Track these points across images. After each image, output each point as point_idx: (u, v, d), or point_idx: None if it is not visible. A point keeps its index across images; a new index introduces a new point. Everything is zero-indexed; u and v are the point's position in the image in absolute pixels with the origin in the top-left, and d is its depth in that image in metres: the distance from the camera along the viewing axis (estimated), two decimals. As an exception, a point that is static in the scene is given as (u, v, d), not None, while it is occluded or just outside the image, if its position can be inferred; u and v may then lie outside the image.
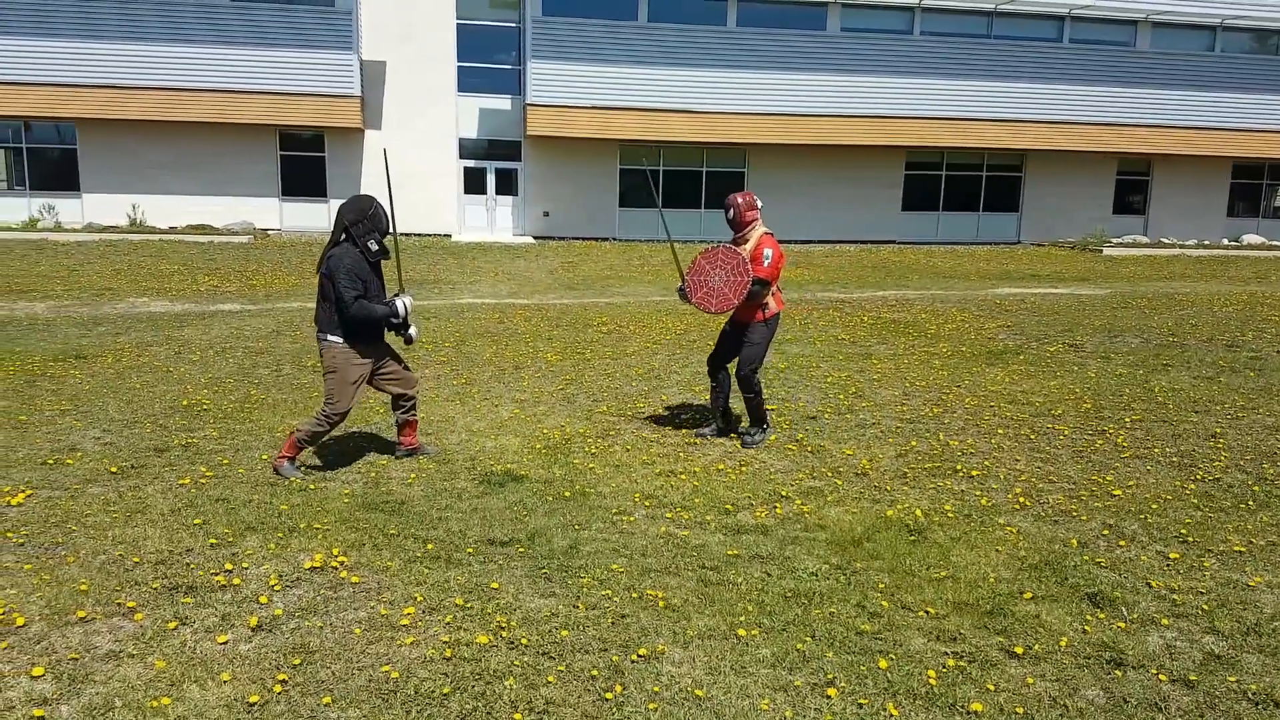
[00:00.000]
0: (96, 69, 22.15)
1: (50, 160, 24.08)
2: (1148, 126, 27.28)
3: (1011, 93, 26.37)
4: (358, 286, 5.20)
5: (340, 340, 5.29)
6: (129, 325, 10.80)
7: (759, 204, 6.24)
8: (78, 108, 22.46)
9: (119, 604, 3.68)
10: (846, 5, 25.70)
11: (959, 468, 5.89)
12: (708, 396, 6.74)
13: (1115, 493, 5.44)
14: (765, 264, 6.04)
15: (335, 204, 24.89)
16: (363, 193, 5.54)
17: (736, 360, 6.30)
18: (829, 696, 3.19)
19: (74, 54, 22.02)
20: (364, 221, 5.25)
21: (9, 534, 4.36)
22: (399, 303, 5.46)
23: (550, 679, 3.24)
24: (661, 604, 3.85)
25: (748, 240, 6.12)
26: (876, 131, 25.90)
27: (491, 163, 26.09)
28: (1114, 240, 27.14)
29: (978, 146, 27.08)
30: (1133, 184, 29.54)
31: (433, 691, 3.14)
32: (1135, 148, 27.66)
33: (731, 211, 6.14)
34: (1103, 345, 10.44)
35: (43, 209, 23.14)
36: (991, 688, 3.28)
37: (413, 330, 5.64)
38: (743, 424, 6.66)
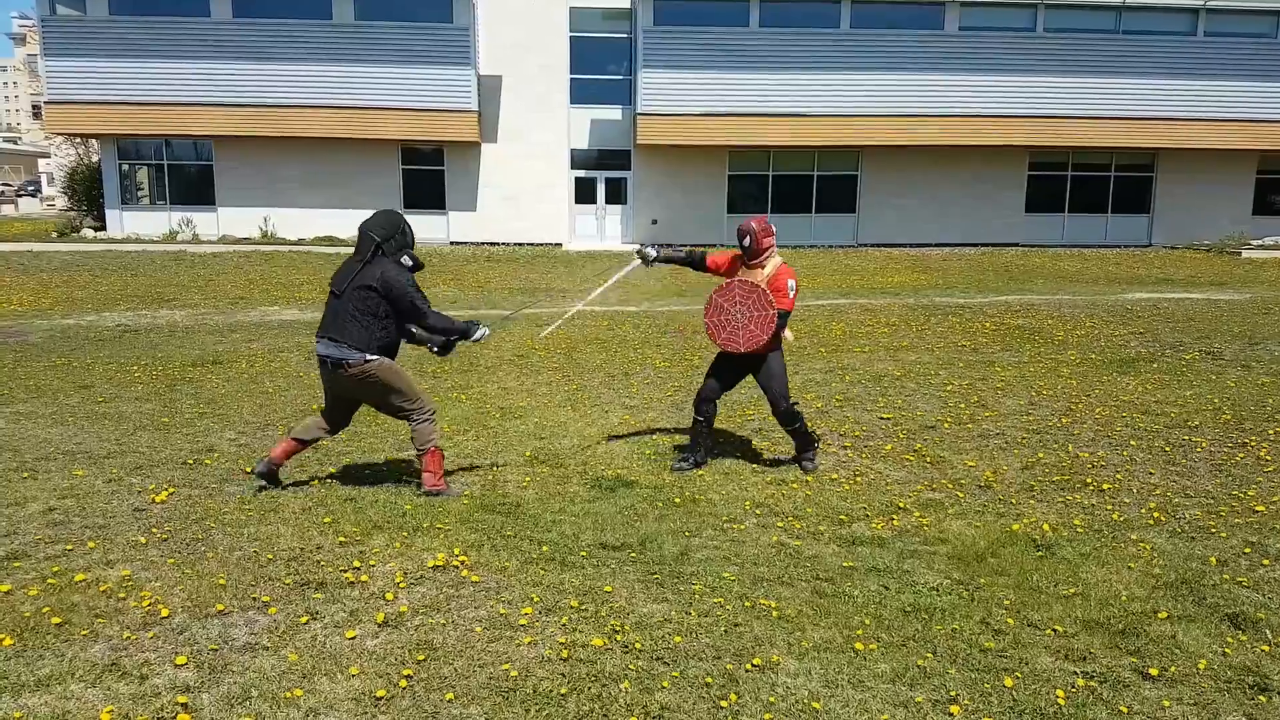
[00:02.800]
0: (232, 89, 23.46)
1: (189, 176, 25.60)
2: (1292, 122, 25.60)
3: (1141, 89, 25.12)
4: (424, 296, 5.09)
5: (377, 358, 5.02)
6: (262, 332, 11.37)
7: (775, 229, 5.89)
8: (215, 126, 23.83)
9: (254, 598, 3.87)
10: (965, 4, 25.02)
11: (1089, 481, 5.64)
12: (697, 423, 6.06)
13: (1258, 508, 5.11)
14: (790, 296, 5.74)
15: (454, 216, 25.70)
16: (387, 208, 5.44)
17: (769, 400, 5.97)
18: (952, 714, 3.09)
19: (211, 75, 23.38)
20: (396, 237, 5.07)
21: (154, 529, 4.64)
22: (483, 329, 5.33)
23: (665, 684, 3.24)
24: (775, 614, 3.81)
25: (764, 267, 5.79)
26: (997, 131, 25.09)
27: (601, 172, 26.44)
28: (1254, 242, 25.53)
29: (1106, 146, 25.91)
30: (1274, 183, 27.73)
31: (550, 691, 3.18)
32: (1277, 145, 25.95)
33: (747, 239, 5.77)
34: (1243, 353, 9.83)
35: (181, 222, 24.61)
36: (1125, 710, 3.13)
37: (435, 348, 5.44)
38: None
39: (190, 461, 5.90)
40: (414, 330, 5.26)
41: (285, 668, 3.32)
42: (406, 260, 5.11)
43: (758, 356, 5.87)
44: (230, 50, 23.42)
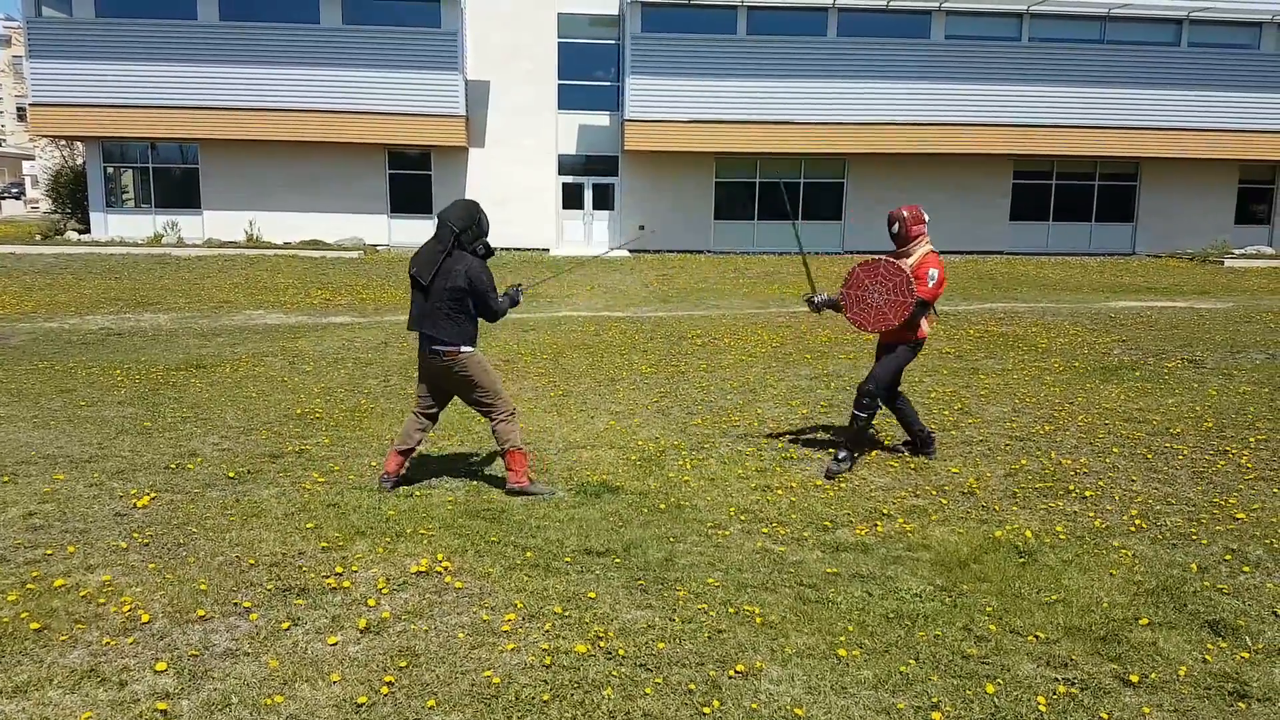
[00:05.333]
0: (218, 92, 23.36)
1: (174, 179, 25.47)
2: (1273, 133, 25.84)
3: (1125, 99, 25.33)
4: (496, 294, 5.29)
5: (472, 350, 5.27)
6: (246, 336, 11.31)
7: (926, 218, 5.79)
8: (201, 129, 23.71)
9: (236, 604, 3.85)
10: (951, 13, 25.18)
11: (1072, 488, 5.67)
12: (857, 408, 6.01)
13: (1238, 516, 5.15)
14: (930, 285, 5.66)
15: (439, 220, 25.62)
16: (465, 198, 5.57)
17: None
18: (933, 720, 3.10)
19: (197, 78, 23.26)
20: (473, 228, 5.25)
21: (135, 534, 4.60)
22: (519, 295, 5.55)
23: (648, 691, 3.24)
24: (759, 620, 3.81)
25: (910, 255, 5.73)
26: (982, 140, 25.25)
27: (589, 178, 26.46)
28: (1236, 251, 25.76)
29: (1090, 154, 26.11)
30: (1256, 192, 28.00)
31: (533, 698, 3.17)
32: (1259, 155, 26.21)
33: (896, 225, 5.73)
34: (1224, 361, 9.91)
35: (166, 225, 24.48)
36: (1105, 716, 3.15)
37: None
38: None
39: (173, 466, 5.87)
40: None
41: (266, 674, 3.30)
42: (480, 249, 5.32)
43: (890, 345, 5.88)
44: (217, 53, 23.33)
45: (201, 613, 3.74)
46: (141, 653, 3.43)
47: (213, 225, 24.81)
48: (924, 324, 5.90)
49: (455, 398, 5.54)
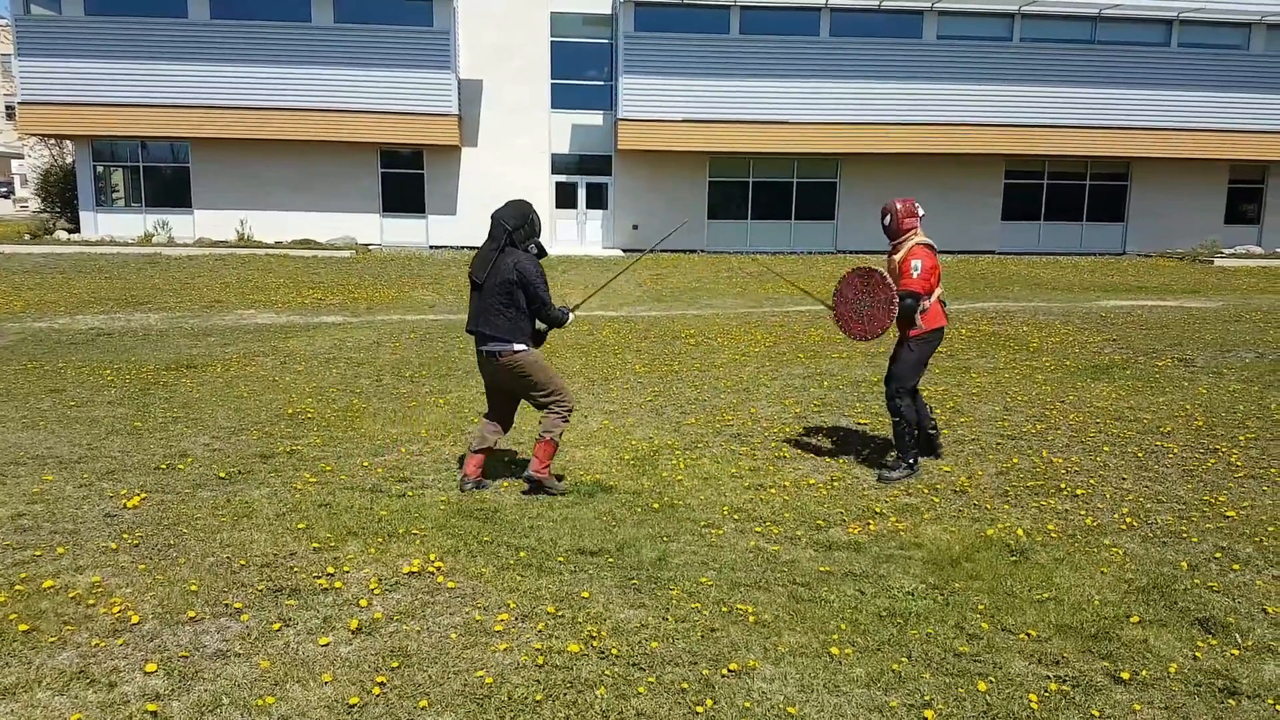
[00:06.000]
0: (209, 90, 23.27)
1: (164, 178, 25.36)
2: (1262, 133, 25.95)
3: (1116, 99, 25.42)
4: (548, 289, 5.32)
5: (526, 348, 5.29)
6: (237, 336, 11.28)
7: (920, 210, 5.78)
8: (190, 127, 23.61)
9: (226, 605, 3.83)
10: (944, 13, 25.23)
11: (1063, 486, 5.69)
12: (892, 416, 6.00)
13: (1228, 514, 5.17)
14: (914, 275, 5.65)
15: (434, 219, 25.60)
16: (518, 198, 5.60)
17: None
18: (925, 718, 3.11)
19: (187, 76, 23.17)
20: (525, 227, 5.33)
21: (125, 535, 4.58)
22: (571, 314, 5.59)
23: (641, 690, 3.24)
24: (752, 619, 3.81)
25: (900, 249, 5.74)
26: (974, 140, 25.30)
27: (582, 177, 26.44)
28: (1226, 251, 25.87)
29: (1081, 154, 26.19)
30: (1246, 192, 28.12)
31: (525, 698, 3.17)
32: (1249, 155, 26.32)
33: (888, 218, 5.74)
34: (1214, 360, 9.95)
35: (157, 224, 24.37)
36: (1096, 714, 3.15)
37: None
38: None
39: (163, 466, 5.84)
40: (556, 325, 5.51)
41: (257, 675, 3.28)
42: (533, 248, 5.38)
43: (898, 340, 5.90)
44: (208, 51, 23.23)
45: (192, 613, 3.73)
46: (131, 654, 3.41)
47: (204, 224, 24.73)
48: (920, 320, 5.79)
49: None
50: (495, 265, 5.22)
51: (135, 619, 3.66)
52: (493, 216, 5.36)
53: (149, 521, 4.80)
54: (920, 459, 6.10)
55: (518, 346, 5.25)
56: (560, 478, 5.70)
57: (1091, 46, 25.77)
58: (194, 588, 3.97)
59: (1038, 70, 25.24)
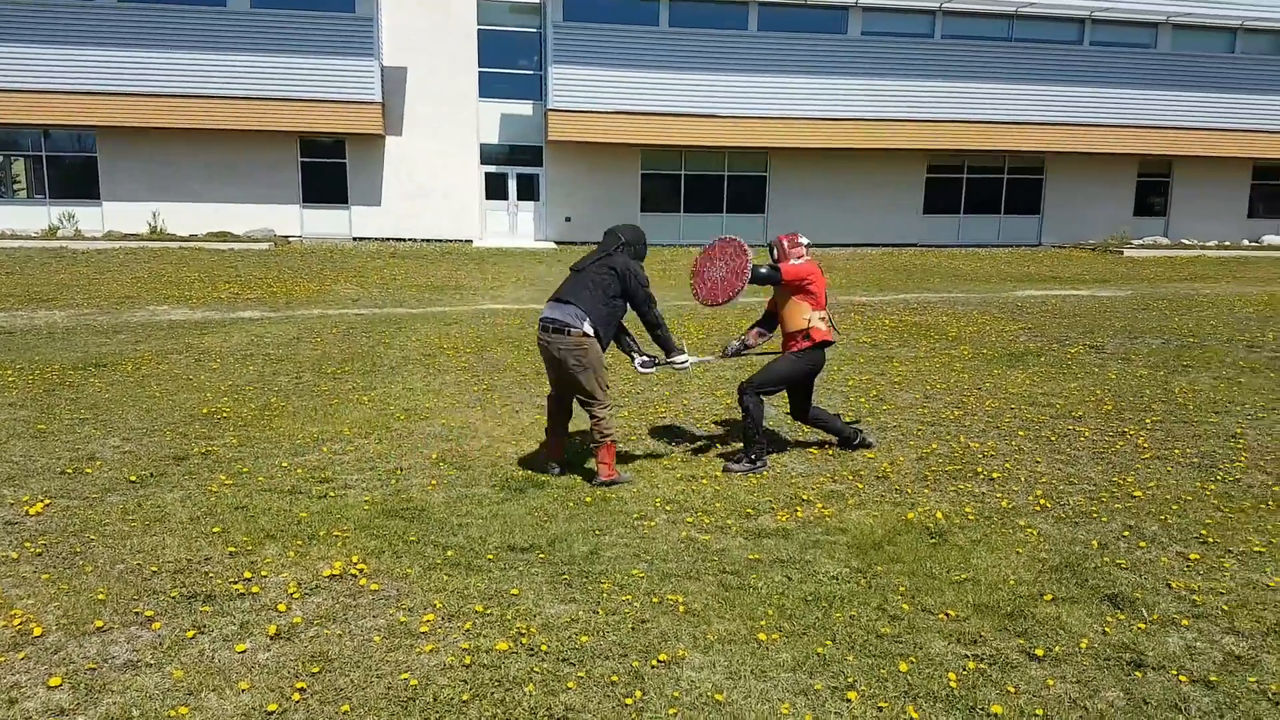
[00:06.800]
0: (116, 76, 22.35)
1: (70, 168, 24.30)
2: (1168, 128, 27.03)
3: (1032, 95, 26.19)
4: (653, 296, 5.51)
5: (593, 333, 5.36)
6: (149, 333, 10.89)
7: (804, 241, 5.91)
8: (97, 115, 22.66)
9: (137, 613, 3.69)
10: (868, 9, 25.62)
11: (980, 470, 5.84)
12: (740, 409, 5.99)
13: (1136, 494, 5.37)
14: (791, 262, 5.76)
15: (357, 210, 25.07)
16: (634, 223, 5.94)
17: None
18: (849, 700, 3.16)
19: (93, 61, 22.21)
20: (637, 246, 5.59)
21: (27, 544, 4.38)
22: (687, 359, 5.75)
23: (570, 685, 3.22)
24: (682, 609, 3.82)
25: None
26: (898, 135, 25.79)
27: (513, 168, 26.17)
28: (1135, 242, 26.89)
29: (999, 149, 26.91)
30: (1154, 185, 29.25)
31: (452, 699, 3.12)
32: (1156, 149, 27.39)
33: (775, 252, 5.89)
34: (1124, 347, 10.33)
35: (63, 217, 23.36)
36: (1012, 690, 3.24)
37: (640, 361, 5.82)
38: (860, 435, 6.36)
39: (69, 470, 5.61)
40: (627, 337, 5.77)
41: (170, 685, 3.17)
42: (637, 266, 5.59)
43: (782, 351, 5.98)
44: (116, 36, 22.29)
45: (100, 623, 3.58)
46: (33, 668, 3.27)
47: (113, 217, 23.78)
48: (814, 332, 5.83)
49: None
50: (601, 259, 5.48)
51: (38, 631, 3.51)
52: (607, 231, 5.65)
53: (53, 529, 4.60)
54: (854, 448, 6.22)
55: (587, 329, 5.34)
56: (617, 475, 5.61)
57: (1009, 44, 26.47)
58: (102, 596, 3.81)
59: (958, 67, 25.84)
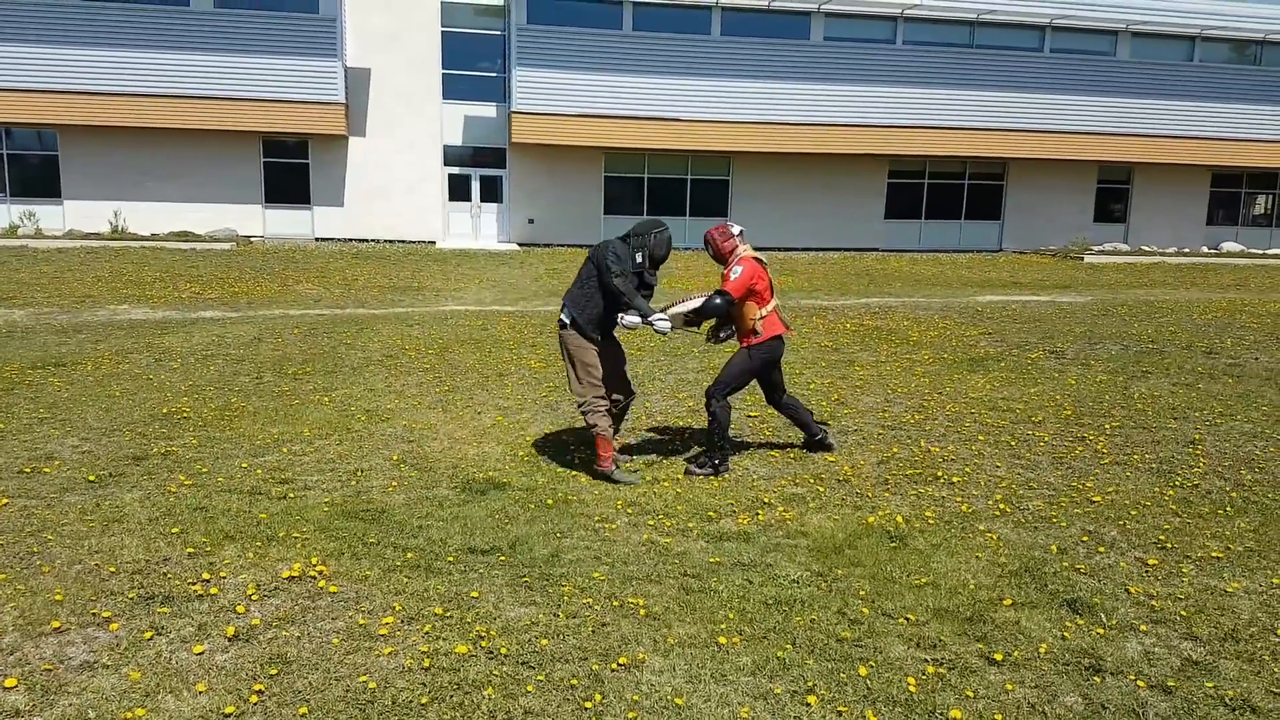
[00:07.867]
0: (78, 75, 21.98)
1: (31, 167, 23.84)
2: (1128, 135, 27.52)
3: (993, 102, 26.55)
4: (624, 265, 5.45)
5: (578, 327, 5.51)
6: (109, 333, 10.72)
7: (735, 229, 5.93)
8: (59, 114, 22.27)
9: (94, 614, 3.64)
10: (830, 15, 25.84)
11: (940, 474, 5.91)
12: (707, 414, 6.04)
13: (1095, 499, 5.46)
14: (731, 279, 5.73)
15: (320, 210, 24.85)
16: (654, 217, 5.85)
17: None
18: (809, 704, 3.19)
19: (55, 59, 21.83)
20: (644, 235, 5.57)
21: (-17, 544, 4.31)
22: (661, 323, 5.53)
23: (529, 689, 3.22)
24: (642, 612, 3.84)
25: (732, 269, 5.85)
26: (859, 140, 26.03)
27: (476, 170, 26.07)
28: (1095, 248, 27.36)
29: (960, 155, 27.25)
30: (1113, 192, 29.78)
31: (410, 702, 3.11)
32: (1115, 156, 27.89)
33: (710, 249, 5.93)
34: (1083, 352, 10.50)
35: (23, 216, 22.91)
36: (970, 694, 3.29)
37: (628, 319, 5.61)
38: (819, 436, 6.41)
39: (27, 470, 5.51)
40: (621, 315, 5.57)
41: (126, 687, 3.14)
42: (639, 257, 5.56)
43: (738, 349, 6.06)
44: (77, 34, 21.91)
45: (56, 624, 3.53)
46: (-14, 671, 3.21)
47: (74, 216, 23.36)
48: (762, 326, 5.88)
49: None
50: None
51: (-9, 634, 3.45)
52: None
53: (10, 529, 4.52)
54: (816, 451, 6.30)
55: (565, 317, 5.58)
56: (615, 468, 5.78)
57: (970, 50, 26.82)
58: (59, 597, 3.76)
59: (919, 73, 26.13)
